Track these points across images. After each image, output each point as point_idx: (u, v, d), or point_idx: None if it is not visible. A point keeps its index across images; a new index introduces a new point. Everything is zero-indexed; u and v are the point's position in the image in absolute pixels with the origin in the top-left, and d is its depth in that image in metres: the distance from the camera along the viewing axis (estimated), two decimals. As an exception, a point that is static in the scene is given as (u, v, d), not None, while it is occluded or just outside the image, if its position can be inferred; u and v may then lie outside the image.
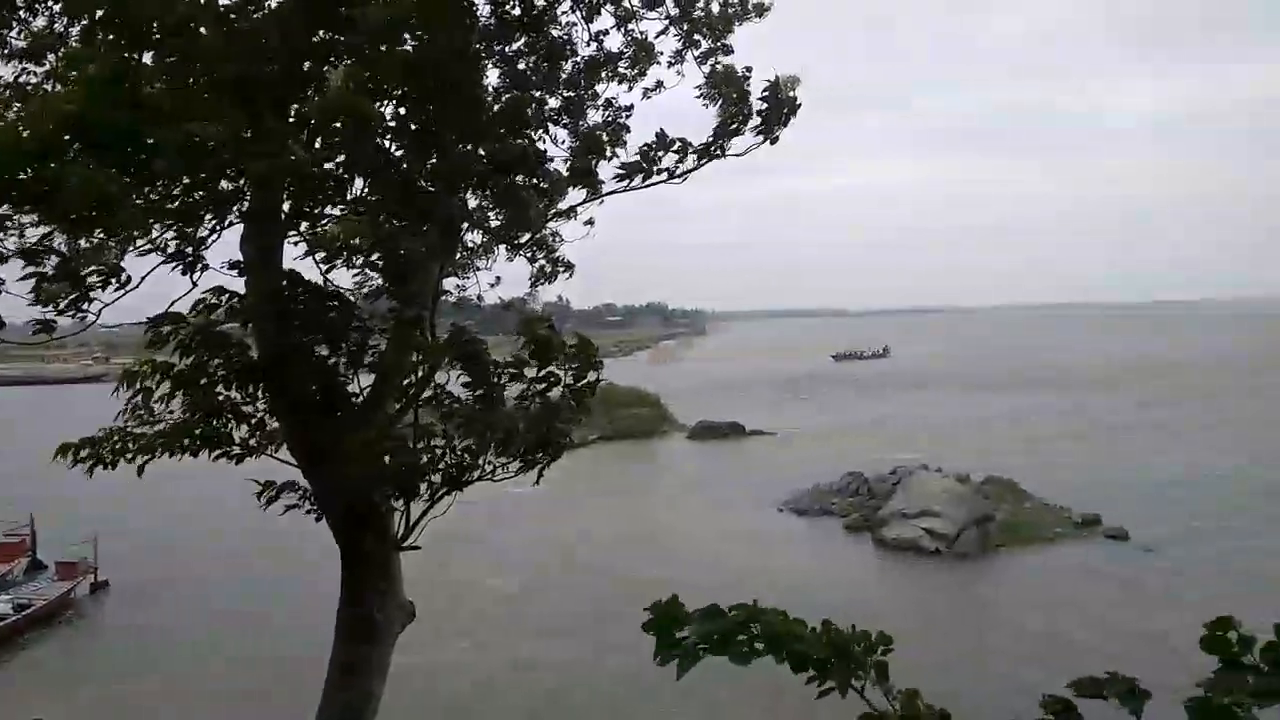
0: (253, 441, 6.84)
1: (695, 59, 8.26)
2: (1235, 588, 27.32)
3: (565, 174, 7.66)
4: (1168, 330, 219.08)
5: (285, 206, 6.56)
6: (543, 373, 6.77)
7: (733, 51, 8.24)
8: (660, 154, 7.25)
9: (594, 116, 8.64)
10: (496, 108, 7.20)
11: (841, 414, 73.44)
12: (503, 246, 8.75)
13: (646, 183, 7.39)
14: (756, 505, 41.50)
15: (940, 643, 23.66)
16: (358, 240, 6.04)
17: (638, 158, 7.26)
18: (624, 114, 8.64)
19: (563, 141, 8.15)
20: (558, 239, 8.88)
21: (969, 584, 30.47)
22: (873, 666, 2.62)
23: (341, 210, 6.58)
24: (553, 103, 8.26)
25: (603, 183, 8.01)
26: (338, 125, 5.94)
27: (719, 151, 7.50)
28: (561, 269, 8.93)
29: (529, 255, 9.00)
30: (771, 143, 7.35)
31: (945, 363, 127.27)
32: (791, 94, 7.12)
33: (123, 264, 5.84)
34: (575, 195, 8.24)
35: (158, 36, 5.63)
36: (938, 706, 2.56)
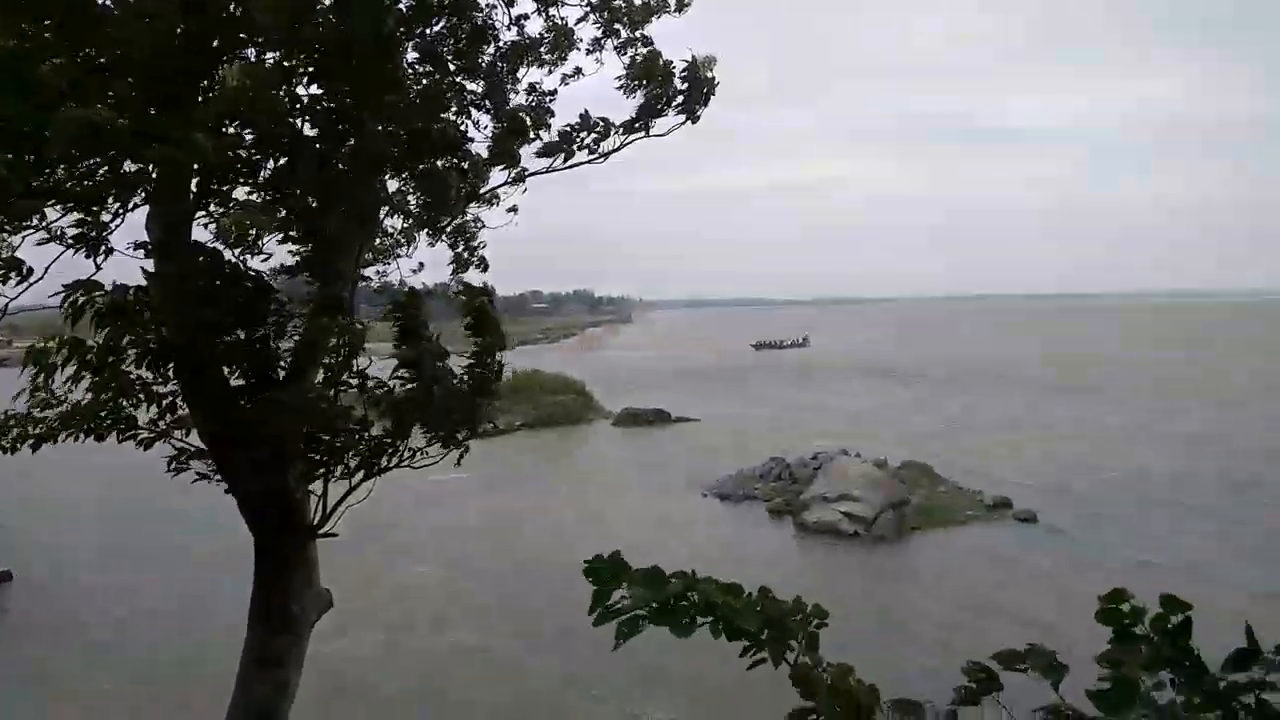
0: (162, 424, 6.66)
1: (615, 48, 8.29)
2: (1132, 565, 28.62)
3: (486, 156, 7.62)
4: (1092, 322, 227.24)
5: (194, 185, 6.38)
6: (479, 344, 6.75)
7: (651, 43, 8.29)
8: (582, 135, 7.27)
9: (516, 101, 8.60)
10: (416, 90, 7.11)
11: (764, 402, 74.50)
12: (424, 232, 8.66)
13: (568, 163, 7.40)
14: (682, 491, 41.85)
15: (855, 619, 24.27)
16: (255, 231, 5.92)
17: (558, 139, 7.27)
18: (547, 98, 8.62)
19: (485, 126, 8.09)
20: (479, 225, 8.83)
21: (884, 564, 31.28)
22: (805, 638, 2.67)
23: (249, 193, 6.43)
24: (473, 87, 8.20)
25: (525, 170, 7.98)
26: (244, 110, 5.81)
27: (641, 130, 7.54)
28: (476, 262, 8.89)
29: (450, 241, 8.92)
30: (693, 121, 7.41)
31: (864, 352, 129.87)
32: (709, 74, 7.19)
33: (20, 256, 5.63)
34: (498, 179, 8.20)
35: (54, 16, 5.42)
36: (869, 682, 2.65)
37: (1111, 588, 2.93)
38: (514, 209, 8.69)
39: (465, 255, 9.11)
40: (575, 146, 7.28)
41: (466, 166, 7.48)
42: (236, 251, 6.43)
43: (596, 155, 7.47)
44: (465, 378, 6.80)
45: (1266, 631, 2.74)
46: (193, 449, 6.77)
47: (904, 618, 25.09)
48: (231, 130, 5.96)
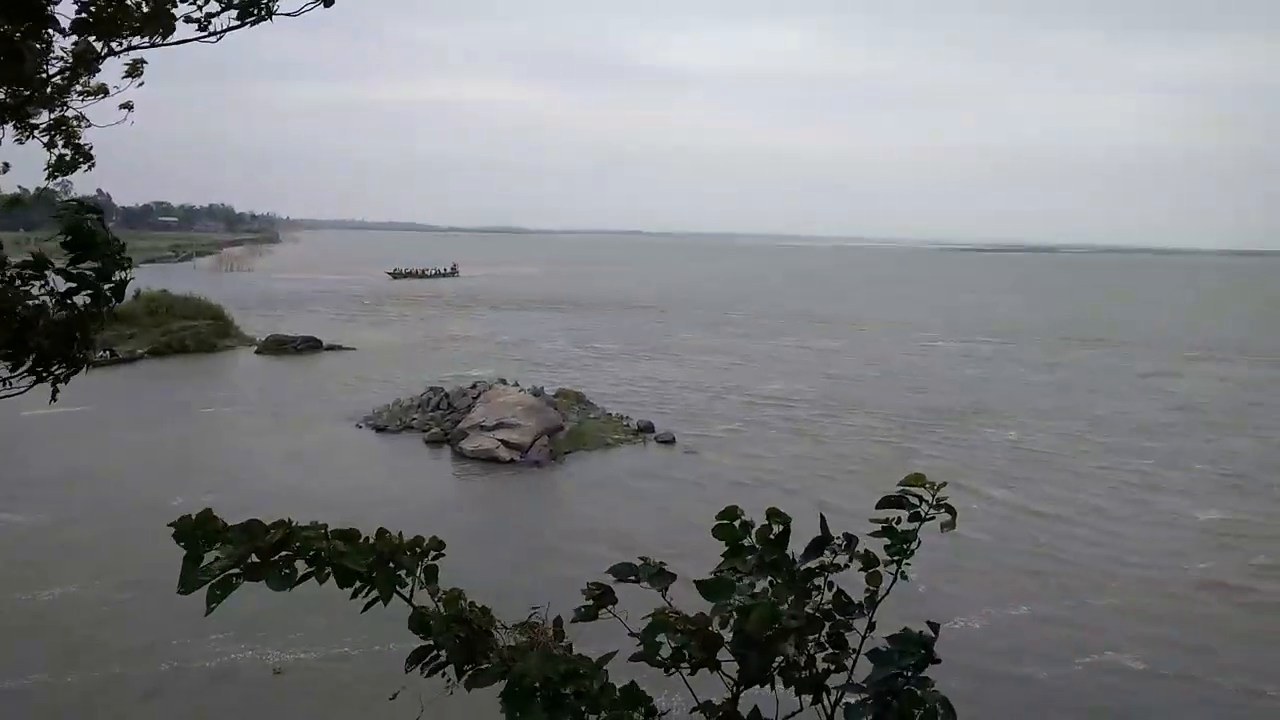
0: None
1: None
2: (755, 482, 32.08)
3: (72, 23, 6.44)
4: (746, 259, 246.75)
5: None
6: (77, 270, 5.80)
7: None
8: (190, 5, 6.33)
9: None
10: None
11: (422, 330, 73.38)
12: (9, 125, 7.31)
13: (168, 39, 6.48)
14: (333, 422, 40.22)
15: (507, 543, 24.98)
16: None
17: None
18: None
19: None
20: (83, 123, 7.61)
21: (537, 488, 32.42)
22: (423, 571, 2.63)
23: None
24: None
25: (143, 61, 6.96)
26: None
27: (264, 11, 6.67)
28: (82, 160, 7.67)
29: (46, 140, 7.62)
30: (326, 4, 6.65)
31: (520, 284, 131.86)
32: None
33: None
34: (114, 70, 7.08)
35: None
36: (480, 605, 2.66)
37: (729, 504, 3.23)
38: (128, 105, 7.57)
39: (68, 157, 7.82)
40: (179, 20, 6.30)
41: (47, 33, 6.29)
42: None
43: (207, 31, 6.48)
44: (67, 300, 5.87)
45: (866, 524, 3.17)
46: None
47: (551, 540, 26.21)
48: None
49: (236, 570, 2.35)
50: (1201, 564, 25.16)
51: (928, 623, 2.96)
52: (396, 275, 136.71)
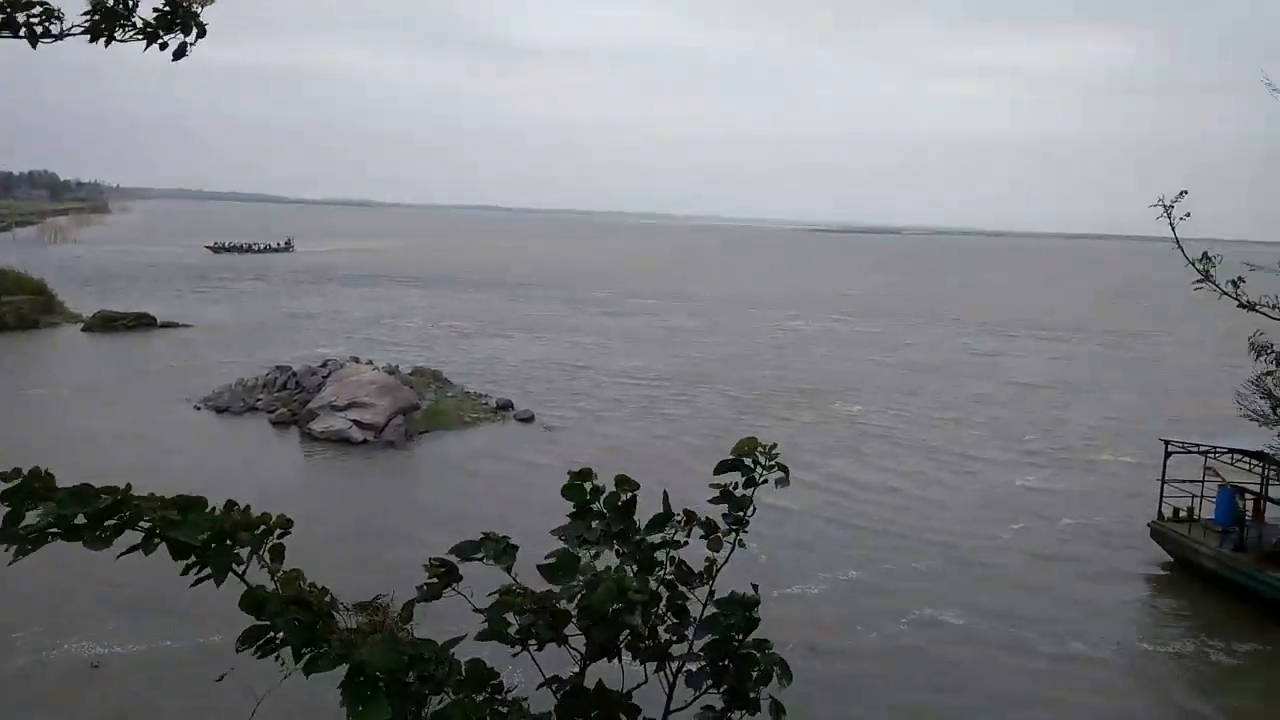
0: None
1: None
2: (610, 459, 32.37)
3: None
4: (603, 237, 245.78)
5: None
6: None
7: None
8: None
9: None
10: None
11: (266, 306, 70.23)
12: None
13: None
14: (170, 403, 38.09)
15: (356, 525, 24.37)
16: None
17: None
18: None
19: None
20: None
21: (390, 469, 31.72)
22: (269, 550, 2.54)
23: None
24: None
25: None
26: None
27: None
28: None
29: None
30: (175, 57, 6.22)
31: (375, 260, 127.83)
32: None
33: None
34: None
35: None
36: (321, 585, 2.59)
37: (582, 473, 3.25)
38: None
39: None
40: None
41: None
42: None
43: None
44: None
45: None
46: None
47: (401, 523, 25.72)
48: None
49: (56, 530, 2.21)
50: (1015, 525, 27.14)
51: (752, 585, 3.08)
52: (217, 249, 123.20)
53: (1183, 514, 24.61)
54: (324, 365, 40.36)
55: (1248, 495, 23.60)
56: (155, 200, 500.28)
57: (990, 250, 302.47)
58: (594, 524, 3.04)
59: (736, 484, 3.06)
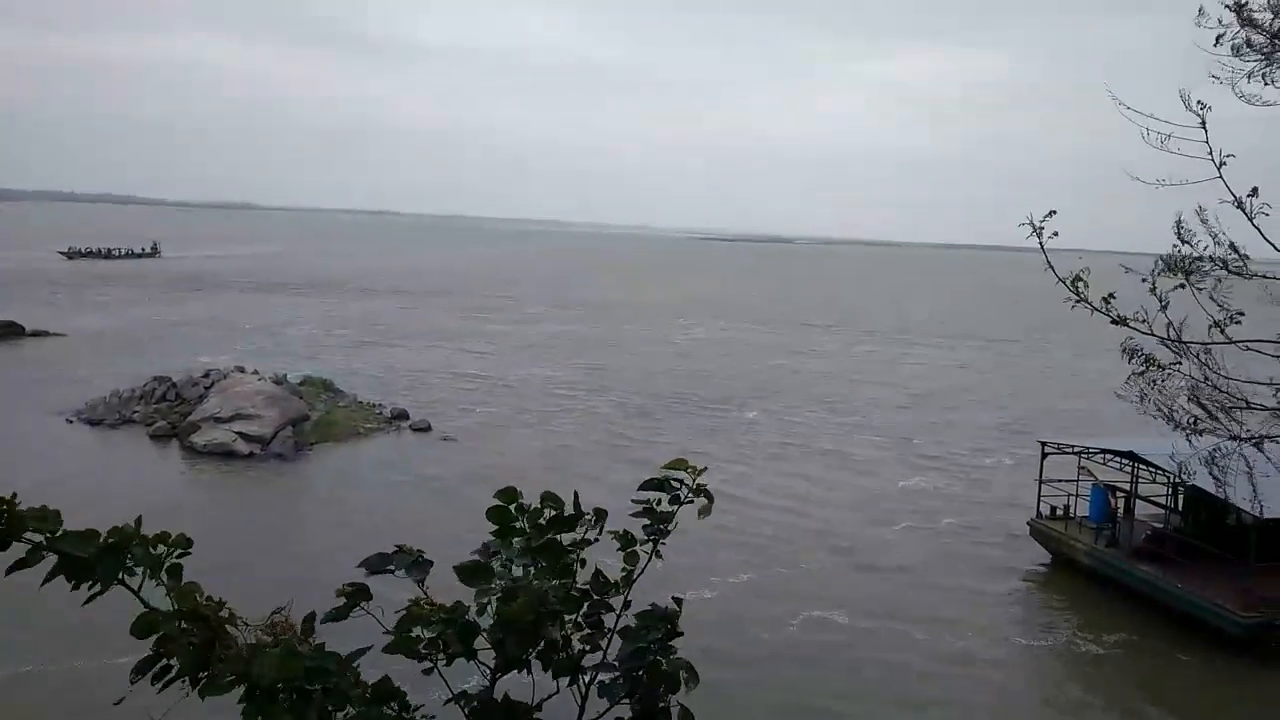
0: None
1: None
2: (506, 468, 32.04)
3: None
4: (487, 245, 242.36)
5: None
6: None
7: None
8: None
9: None
10: None
11: (143, 313, 67.04)
12: None
13: None
14: (39, 416, 35.97)
15: (238, 546, 23.38)
16: None
17: None
18: None
19: None
20: None
21: (277, 484, 30.58)
22: (166, 569, 2.41)
23: None
24: None
25: None
26: None
27: None
28: None
29: None
30: None
31: (258, 264, 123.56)
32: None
33: None
34: None
35: None
36: (218, 598, 2.48)
37: (487, 492, 3.20)
38: None
39: None
40: None
41: None
42: None
43: None
44: None
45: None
46: None
47: (287, 540, 24.85)
48: None
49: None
50: (899, 525, 28.10)
51: (673, 597, 3.08)
52: (72, 255, 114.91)
53: (1059, 512, 25.82)
54: (206, 375, 38.74)
55: (1119, 493, 24.92)
56: (19, 202, 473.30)
57: (876, 259, 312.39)
58: (514, 541, 3.00)
59: (660, 500, 3.06)
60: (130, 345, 52.13)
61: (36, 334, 54.71)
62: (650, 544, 3.06)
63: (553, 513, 3.04)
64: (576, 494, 3.08)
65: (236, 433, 32.94)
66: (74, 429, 35.22)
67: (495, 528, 3.08)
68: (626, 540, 3.04)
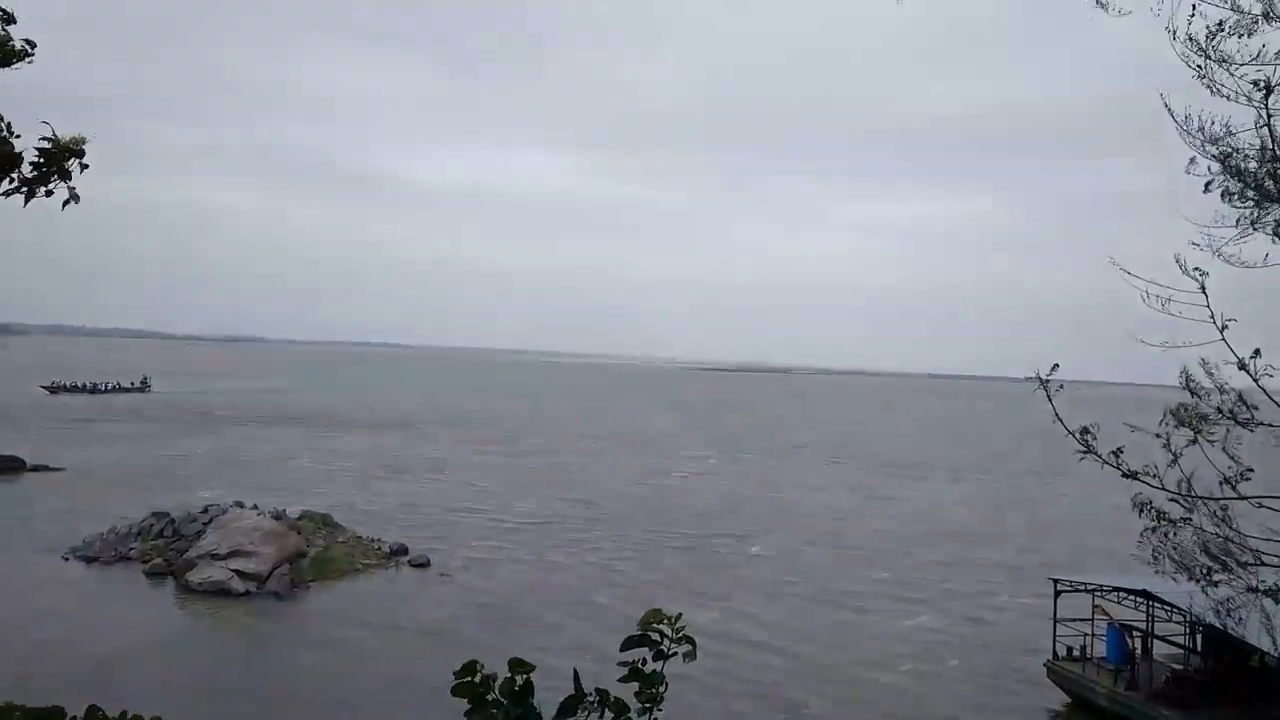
0: None
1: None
2: (507, 615, 31.31)
3: None
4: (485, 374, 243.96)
5: None
6: None
7: None
8: None
9: None
10: None
11: (146, 448, 66.86)
12: None
13: None
14: (35, 553, 35.44)
15: (229, 696, 22.58)
16: None
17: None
18: None
19: None
20: None
21: (273, 626, 29.65)
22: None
23: None
24: None
25: None
26: None
27: None
28: None
29: None
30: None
31: (263, 399, 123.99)
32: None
33: None
34: None
35: None
36: None
37: (476, 645, 3.11)
38: None
39: None
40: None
41: None
42: None
43: None
44: None
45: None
46: None
47: (280, 689, 23.96)
48: None
49: None
50: (904, 667, 27.22)
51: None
52: (55, 389, 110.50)
53: (1076, 653, 25.07)
54: (205, 511, 38.29)
55: (1135, 633, 24.24)
56: (30, 336, 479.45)
57: (875, 389, 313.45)
58: (494, 713, 2.89)
59: (645, 659, 2.98)
60: (130, 480, 51.80)
61: (38, 468, 54.65)
62: (647, 712, 2.97)
63: (523, 679, 2.93)
64: (576, 673, 2.98)
65: (233, 570, 32.35)
66: (69, 566, 34.63)
67: (468, 706, 2.94)
68: (619, 709, 2.94)
